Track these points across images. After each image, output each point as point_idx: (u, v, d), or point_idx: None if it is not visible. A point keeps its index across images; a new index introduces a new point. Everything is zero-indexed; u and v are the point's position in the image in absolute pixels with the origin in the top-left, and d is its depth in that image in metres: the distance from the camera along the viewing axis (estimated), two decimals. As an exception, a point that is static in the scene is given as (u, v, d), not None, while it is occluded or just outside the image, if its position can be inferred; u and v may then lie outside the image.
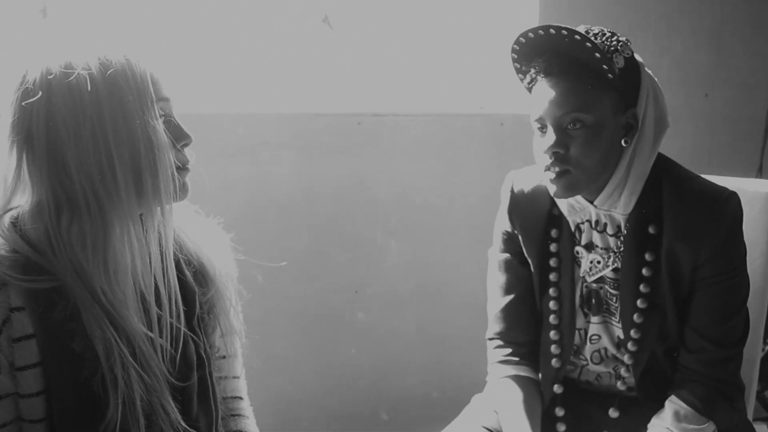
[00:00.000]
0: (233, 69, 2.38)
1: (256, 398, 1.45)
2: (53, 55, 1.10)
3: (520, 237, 1.59)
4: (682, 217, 1.42)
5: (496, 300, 1.65)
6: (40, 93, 1.07)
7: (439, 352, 2.63)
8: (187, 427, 1.15)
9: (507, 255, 1.63)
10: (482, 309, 1.92)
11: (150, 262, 1.14)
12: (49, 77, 1.07)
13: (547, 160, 1.40)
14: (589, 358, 1.57)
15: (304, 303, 2.47)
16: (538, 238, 1.56)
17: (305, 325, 2.48)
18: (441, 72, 2.59)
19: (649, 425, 1.46)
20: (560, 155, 1.39)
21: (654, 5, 2.69)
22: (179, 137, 1.16)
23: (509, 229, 1.62)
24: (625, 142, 1.42)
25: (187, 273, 1.24)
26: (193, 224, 1.28)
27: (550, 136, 1.39)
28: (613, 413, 1.55)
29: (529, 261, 1.59)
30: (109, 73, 1.08)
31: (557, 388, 1.57)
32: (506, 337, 1.62)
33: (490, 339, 1.67)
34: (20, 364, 1.06)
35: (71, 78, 1.07)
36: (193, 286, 1.24)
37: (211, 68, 2.36)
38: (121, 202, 1.09)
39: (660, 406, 1.49)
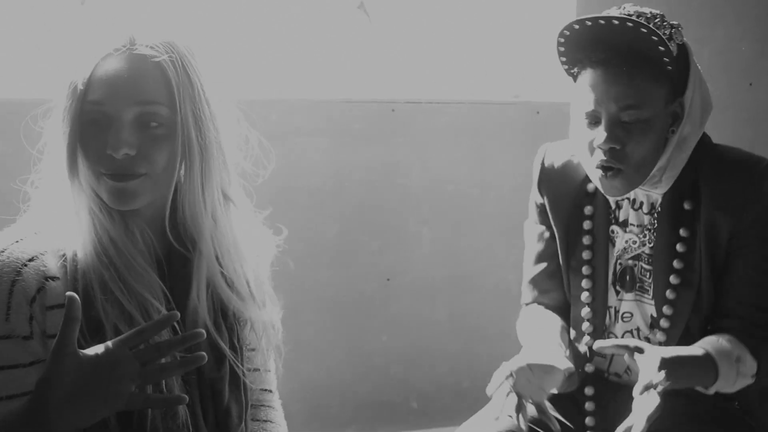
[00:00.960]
0: (267, 55, 2.38)
1: (285, 385, 1.44)
2: (113, 35, 1.10)
3: (549, 211, 1.58)
4: (721, 186, 1.41)
5: (530, 268, 1.65)
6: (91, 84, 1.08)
7: (470, 342, 2.61)
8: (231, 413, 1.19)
9: (542, 227, 1.63)
10: (514, 299, 1.91)
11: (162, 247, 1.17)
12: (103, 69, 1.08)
13: (600, 155, 1.38)
14: (621, 336, 1.54)
15: (335, 290, 2.46)
16: (567, 213, 1.55)
17: (336, 313, 2.48)
18: (476, 59, 2.57)
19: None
20: (615, 151, 1.36)
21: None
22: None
23: (540, 202, 1.62)
24: (672, 131, 1.41)
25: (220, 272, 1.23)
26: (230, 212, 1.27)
27: (603, 131, 1.36)
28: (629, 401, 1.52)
29: (556, 236, 1.57)
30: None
31: (588, 367, 1.55)
32: (541, 300, 1.63)
33: (525, 305, 1.68)
34: (51, 332, 1.07)
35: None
36: (230, 278, 1.23)
37: (245, 54, 2.36)
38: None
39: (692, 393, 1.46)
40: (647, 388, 1.25)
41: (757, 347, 1.39)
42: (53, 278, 1.08)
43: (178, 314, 1.00)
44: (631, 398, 1.53)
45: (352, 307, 2.49)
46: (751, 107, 2.83)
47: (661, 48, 1.31)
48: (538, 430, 1.55)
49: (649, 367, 1.27)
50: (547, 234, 1.61)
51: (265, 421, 1.33)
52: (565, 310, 1.61)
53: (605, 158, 1.37)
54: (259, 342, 1.28)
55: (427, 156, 2.45)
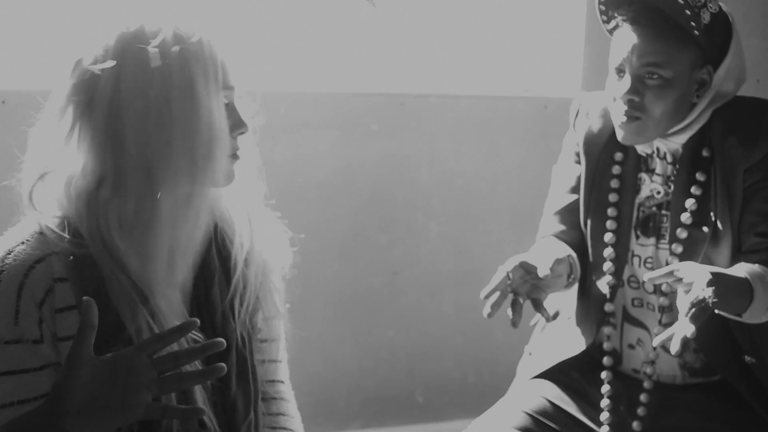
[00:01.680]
0: (275, 47, 2.37)
1: (291, 378, 1.44)
2: (127, 18, 1.08)
3: (581, 151, 1.64)
4: (733, 125, 1.48)
5: (558, 200, 1.70)
6: (111, 58, 1.05)
7: (476, 337, 2.61)
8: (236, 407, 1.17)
9: (574, 166, 1.68)
10: None
11: (192, 238, 1.14)
12: (122, 42, 1.06)
13: (621, 105, 1.46)
14: (641, 285, 1.57)
15: (342, 284, 2.46)
16: (596, 157, 1.61)
17: (343, 306, 2.48)
18: (486, 53, 2.56)
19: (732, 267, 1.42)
20: (634, 102, 1.44)
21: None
22: (236, 125, 1.14)
23: (576, 141, 1.68)
24: (697, 97, 1.47)
25: (230, 249, 1.22)
26: (242, 203, 1.26)
27: (626, 83, 1.45)
28: (644, 399, 1.54)
29: (582, 177, 1.62)
30: (182, 48, 1.06)
31: (609, 307, 1.58)
32: (559, 236, 1.65)
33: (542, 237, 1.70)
34: (62, 335, 1.06)
35: (144, 47, 1.05)
36: (236, 264, 1.22)
37: (253, 46, 2.35)
38: (173, 181, 1.08)
39: (710, 352, 1.49)
40: (696, 304, 1.25)
41: None
42: (62, 279, 1.06)
43: (198, 322, 0.98)
44: (643, 390, 1.55)
45: (359, 301, 2.48)
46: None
47: (688, 12, 1.37)
48: (547, 422, 1.56)
49: (698, 282, 1.27)
50: (577, 172, 1.67)
51: (278, 414, 1.32)
52: (580, 249, 1.63)
53: (625, 107, 1.46)
54: (272, 331, 1.28)
55: (436, 150, 2.44)
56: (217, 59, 1.09)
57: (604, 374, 1.58)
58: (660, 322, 1.54)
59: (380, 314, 2.52)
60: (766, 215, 1.46)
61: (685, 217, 1.50)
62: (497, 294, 1.40)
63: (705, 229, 1.48)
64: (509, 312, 1.41)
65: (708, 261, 1.48)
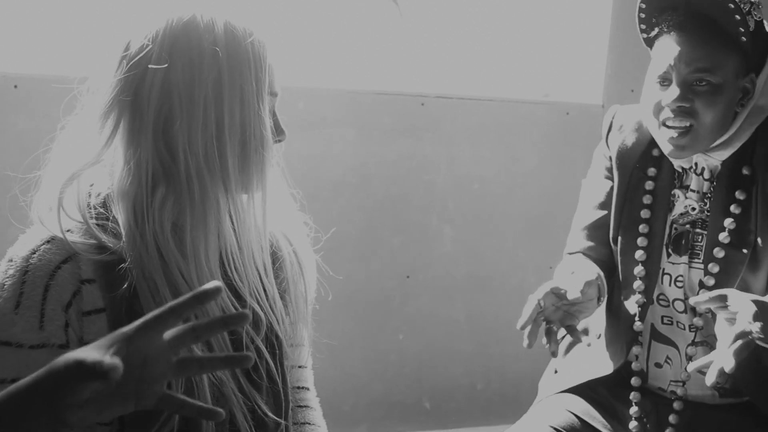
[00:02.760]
0: (297, 42, 2.34)
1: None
2: (178, 5, 1.03)
3: (613, 164, 1.60)
4: None
5: (586, 215, 1.65)
6: (160, 49, 1.00)
7: (486, 344, 2.58)
8: (266, 412, 1.11)
9: (604, 180, 1.63)
10: None
11: (245, 244, 1.10)
12: (172, 34, 1.01)
13: (668, 113, 1.42)
14: (671, 302, 1.53)
15: (354, 286, 2.42)
16: (629, 171, 1.57)
17: (354, 309, 2.44)
18: (508, 57, 2.53)
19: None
20: (685, 108, 1.40)
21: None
22: (277, 132, 1.11)
23: (607, 155, 1.63)
24: (741, 105, 1.44)
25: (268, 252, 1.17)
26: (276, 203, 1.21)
27: (674, 90, 1.40)
28: (673, 420, 1.50)
29: (614, 190, 1.58)
30: (234, 47, 1.02)
31: (638, 326, 1.53)
32: (587, 251, 1.61)
33: (568, 254, 1.66)
34: (89, 339, 1.00)
35: (195, 45, 1.01)
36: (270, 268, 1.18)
37: (276, 40, 2.32)
38: (225, 187, 1.04)
39: (744, 383, 1.44)
40: (741, 336, 1.21)
41: None
42: (90, 281, 1.01)
43: (248, 315, 0.86)
44: (672, 410, 1.51)
45: (370, 304, 2.45)
46: None
47: (737, 17, 1.35)
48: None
49: (744, 314, 1.24)
50: (608, 187, 1.62)
51: (304, 423, 1.28)
52: (608, 266, 1.59)
53: (673, 116, 1.41)
54: (297, 336, 1.23)
55: (455, 153, 2.41)
56: (266, 62, 1.05)
57: (632, 395, 1.54)
58: (693, 341, 1.50)
59: (391, 317, 2.48)
60: None
61: (723, 236, 1.46)
62: (531, 324, 1.32)
63: (744, 250, 1.44)
64: (544, 341, 1.36)
65: (744, 284, 1.44)
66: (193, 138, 1.01)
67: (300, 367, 1.32)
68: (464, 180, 2.43)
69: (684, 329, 1.52)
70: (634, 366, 1.55)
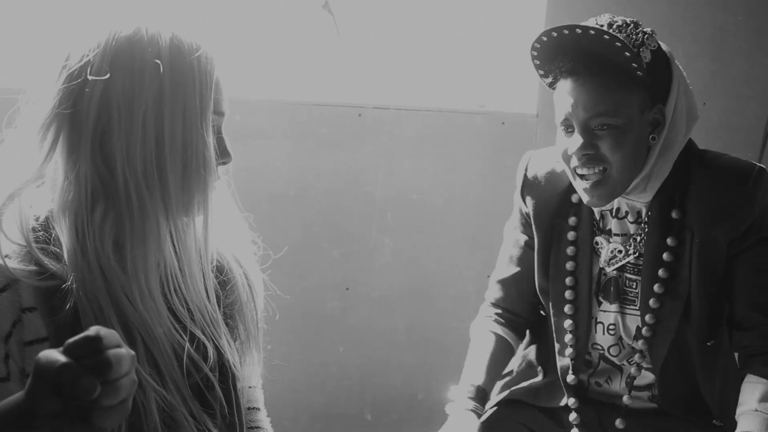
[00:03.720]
0: (233, 53, 2.30)
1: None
2: (122, 17, 0.99)
3: (531, 219, 1.57)
4: (714, 195, 1.41)
5: (503, 269, 1.65)
6: (101, 62, 0.96)
7: (426, 354, 2.57)
8: None
9: (521, 235, 1.63)
10: (473, 311, 1.89)
11: (188, 267, 1.06)
12: (115, 47, 0.97)
13: (576, 161, 1.38)
14: (606, 348, 1.53)
15: (293, 299, 2.37)
16: (550, 223, 1.54)
17: (293, 322, 2.41)
18: (444, 68, 2.54)
19: (737, 413, 1.39)
20: (591, 156, 1.36)
21: (658, 9, 2.66)
22: (222, 154, 1.08)
23: (524, 210, 1.61)
24: (653, 138, 1.39)
25: (210, 274, 1.14)
26: (220, 221, 1.18)
27: (577, 139, 1.36)
28: (620, 424, 1.51)
29: (535, 245, 1.56)
30: (178, 64, 0.98)
31: (571, 379, 1.54)
32: (502, 303, 1.65)
33: (487, 301, 1.69)
34: (31, 370, 0.96)
35: (137, 57, 0.97)
36: (218, 289, 1.15)
37: (226, 58, 2.28)
38: (166, 207, 1.01)
39: (679, 411, 1.47)
40: None
41: None
42: (30, 309, 0.96)
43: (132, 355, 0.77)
44: (613, 412, 1.53)
45: (309, 317, 2.42)
46: (705, 125, 2.87)
47: (627, 54, 1.30)
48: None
49: None
50: (524, 241, 1.61)
51: None
52: (524, 321, 1.66)
53: (579, 164, 1.37)
54: (247, 355, 1.20)
55: (393, 163, 2.40)
56: (212, 80, 1.02)
57: (570, 378, 1.55)
58: (633, 373, 1.53)
59: (331, 330, 2.46)
60: (757, 286, 1.42)
61: (657, 287, 1.44)
62: None
63: (678, 300, 1.43)
64: None
65: (681, 333, 1.44)
66: (132, 153, 0.98)
67: (250, 387, 1.29)
68: (403, 191, 2.42)
69: (623, 366, 1.54)
70: (570, 403, 1.55)
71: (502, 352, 1.63)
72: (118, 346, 0.75)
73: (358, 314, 2.47)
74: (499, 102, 2.56)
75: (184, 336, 1.05)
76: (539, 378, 1.63)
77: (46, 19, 1.95)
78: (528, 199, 1.58)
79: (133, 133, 0.97)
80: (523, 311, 1.65)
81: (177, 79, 0.98)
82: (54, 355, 0.73)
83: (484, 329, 1.66)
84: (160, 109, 0.98)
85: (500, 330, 1.64)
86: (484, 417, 1.58)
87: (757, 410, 1.36)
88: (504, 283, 1.65)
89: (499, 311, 1.66)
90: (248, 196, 2.24)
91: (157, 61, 0.97)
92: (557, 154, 1.44)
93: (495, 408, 1.62)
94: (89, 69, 0.97)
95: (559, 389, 1.57)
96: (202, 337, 1.08)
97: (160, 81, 0.98)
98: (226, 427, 1.12)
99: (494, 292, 1.67)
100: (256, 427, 1.29)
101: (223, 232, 1.18)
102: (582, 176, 1.39)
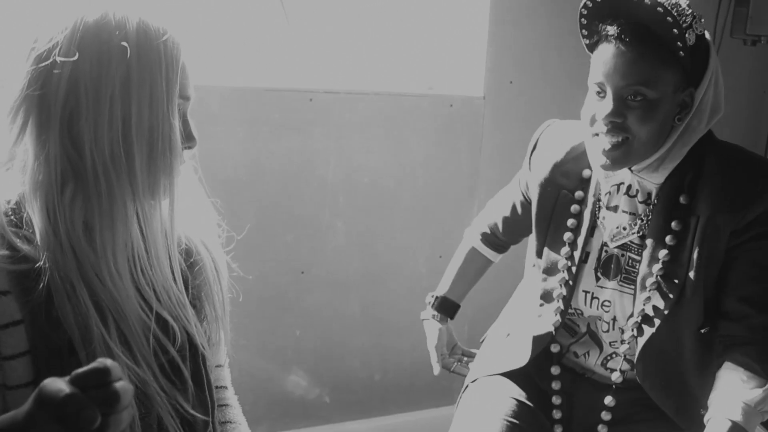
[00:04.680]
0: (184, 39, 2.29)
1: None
2: (90, 4, 1.00)
3: (531, 183, 1.63)
4: (724, 185, 1.42)
5: (498, 206, 1.82)
6: (69, 45, 0.97)
7: (382, 335, 2.61)
8: (190, 410, 1.09)
9: (519, 192, 1.73)
10: (425, 292, 1.94)
11: (154, 248, 1.07)
12: (82, 30, 0.98)
13: (602, 127, 1.39)
14: (597, 324, 1.57)
15: (248, 283, 2.37)
16: (554, 192, 1.57)
17: (249, 306, 2.37)
18: (393, 51, 2.57)
19: (710, 399, 1.41)
20: (617, 124, 1.37)
21: None
22: (187, 138, 1.10)
23: (527, 172, 1.66)
24: (679, 120, 1.41)
25: (179, 256, 1.16)
26: (187, 205, 1.20)
27: (608, 104, 1.37)
28: (610, 402, 1.55)
29: (533, 207, 1.61)
30: (145, 47, 0.99)
31: (555, 370, 1.60)
32: (488, 229, 1.84)
33: (475, 224, 1.88)
34: (8, 353, 0.97)
35: (105, 40, 0.97)
36: (186, 270, 1.17)
37: (192, 43, 2.27)
38: (133, 189, 1.02)
39: (655, 386, 1.49)
40: None
41: (766, 368, 1.40)
42: (4, 293, 0.97)
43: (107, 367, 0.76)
44: (593, 389, 1.58)
45: (264, 300, 2.43)
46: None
47: (675, 31, 1.31)
48: (527, 403, 1.59)
49: None
50: (521, 201, 1.72)
51: (225, 422, 1.28)
52: (502, 242, 1.86)
53: (605, 130, 1.38)
54: (214, 334, 1.22)
55: (344, 147, 2.42)
56: (179, 64, 1.03)
57: (552, 369, 1.61)
58: (612, 354, 1.58)
59: (286, 313, 2.47)
60: (750, 279, 1.43)
61: (656, 268, 1.45)
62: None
63: (676, 281, 1.44)
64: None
65: (673, 316, 1.46)
66: (99, 135, 0.99)
67: (217, 366, 1.31)
68: (354, 174, 2.45)
69: (603, 345, 1.59)
70: (554, 385, 1.61)
71: (473, 263, 1.87)
72: (122, 378, 0.77)
73: (313, 297, 2.49)
74: (447, 85, 2.60)
75: (150, 316, 1.06)
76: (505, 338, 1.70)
77: (14, 2, 1.93)
78: (534, 164, 1.62)
79: (100, 114, 0.98)
80: (507, 239, 1.84)
81: (144, 62, 0.99)
82: (59, 384, 0.74)
83: (464, 245, 1.89)
84: (128, 91, 0.99)
85: (478, 245, 1.86)
86: (466, 390, 1.68)
87: (731, 397, 1.37)
88: (495, 214, 1.81)
89: (485, 231, 1.85)
90: (203, 180, 2.25)
91: (125, 44, 0.98)
92: (583, 115, 1.45)
93: (476, 380, 1.68)
94: (57, 51, 0.97)
95: (525, 349, 1.61)
96: (169, 318, 1.09)
97: (127, 64, 0.99)
98: (199, 404, 1.14)
99: (483, 218, 1.86)
100: (225, 405, 1.31)
101: (191, 216, 1.19)
102: (601, 136, 1.41)
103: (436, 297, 1.87)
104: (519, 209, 1.74)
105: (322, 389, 2.58)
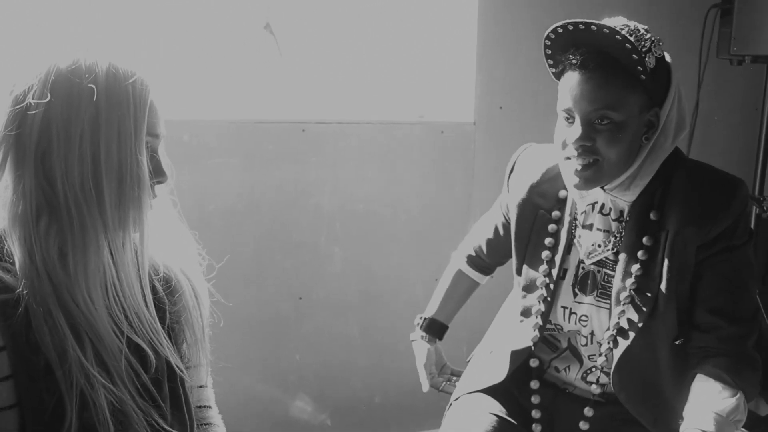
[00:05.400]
0: (177, 76, 2.37)
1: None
2: (63, 50, 1.08)
3: (510, 206, 1.67)
4: (691, 200, 1.47)
5: (482, 229, 1.86)
6: (43, 90, 1.05)
7: (381, 358, 2.66)
8: (167, 427, 1.16)
9: (501, 216, 1.78)
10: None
11: (125, 275, 1.14)
12: (54, 76, 1.06)
13: (573, 151, 1.45)
14: (576, 338, 1.61)
15: (248, 309, 2.46)
16: (532, 212, 1.63)
17: (250, 332, 2.48)
18: (383, 82, 2.63)
19: (685, 410, 1.45)
20: (587, 147, 1.43)
21: (586, 17, 2.79)
22: (156, 173, 1.16)
23: (506, 195, 1.71)
24: (646, 139, 1.47)
25: (157, 284, 1.23)
26: (165, 236, 1.27)
27: (577, 128, 1.43)
28: (588, 412, 1.59)
29: (512, 228, 1.66)
30: (113, 88, 1.07)
31: (533, 362, 1.64)
32: (473, 251, 1.88)
33: (460, 248, 1.93)
34: None
35: (75, 84, 1.06)
36: (164, 297, 1.24)
37: (157, 75, 2.35)
38: (103, 221, 1.09)
39: (632, 398, 1.53)
40: None
41: (737, 379, 1.44)
42: None
43: None
44: (573, 403, 1.62)
45: (265, 326, 2.49)
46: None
47: (635, 56, 1.37)
48: (507, 419, 1.63)
49: None
50: (502, 222, 1.77)
51: None
52: (488, 264, 1.89)
53: (576, 154, 1.44)
54: (194, 357, 1.29)
55: (338, 176, 2.49)
56: (147, 104, 1.10)
57: (532, 383, 1.64)
58: (590, 369, 1.62)
59: (287, 338, 2.54)
60: (719, 291, 1.47)
61: (630, 282, 1.50)
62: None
63: (649, 294, 1.49)
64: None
65: (647, 329, 1.50)
66: (70, 170, 1.06)
67: (200, 387, 1.37)
68: (349, 201, 2.52)
69: (583, 360, 1.63)
70: (533, 399, 1.64)
71: (460, 285, 1.92)
72: None
73: (312, 322, 2.55)
74: (438, 112, 2.67)
75: (122, 340, 1.13)
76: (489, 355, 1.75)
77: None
78: (512, 187, 1.67)
79: (70, 152, 1.06)
80: (492, 261, 1.88)
81: (112, 102, 1.07)
82: None
83: (451, 268, 1.93)
84: (96, 130, 1.07)
85: (465, 268, 1.90)
86: (450, 407, 1.72)
87: (704, 408, 1.42)
88: (479, 237, 1.86)
89: (471, 253, 1.89)
90: (201, 212, 2.34)
91: (93, 86, 1.06)
92: (555, 140, 1.51)
93: (458, 399, 1.72)
94: (32, 94, 1.06)
95: (504, 364, 1.65)
96: (141, 342, 1.16)
97: (95, 105, 1.06)
98: (177, 423, 1.20)
99: (468, 242, 1.90)
100: (208, 424, 1.37)
101: (169, 247, 1.27)
102: (572, 159, 1.46)
103: (425, 318, 1.90)
104: (501, 231, 1.79)
105: (324, 411, 2.63)
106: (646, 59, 1.39)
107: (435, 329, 1.89)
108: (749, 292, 1.51)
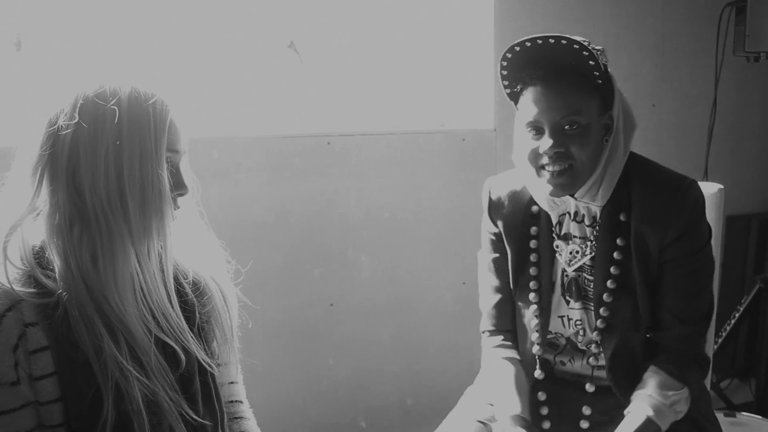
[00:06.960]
0: (205, 94, 2.45)
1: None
2: (90, 78, 1.19)
3: (503, 236, 1.71)
4: (648, 203, 1.54)
5: (488, 298, 1.78)
6: (72, 114, 1.16)
7: (412, 360, 2.72)
8: (197, 418, 1.25)
9: (495, 255, 1.75)
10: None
11: (151, 279, 1.24)
12: (81, 101, 1.17)
13: (545, 160, 1.51)
14: (573, 336, 1.67)
15: (281, 318, 2.53)
16: (518, 236, 1.68)
17: (283, 340, 2.55)
18: (405, 92, 2.69)
19: (633, 395, 1.55)
20: (561, 153, 1.49)
21: (602, 24, 2.84)
22: (177, 186, 1.25)
23: (494, 230, 1.74)
24: (606, 140, 1.55)
25: (186, 287, 1.33)
26: (193, 243, 1.37)
27: (548, 138, 1.49)
28: (589, 388, 1.64)
29: (509, 256, 1.70)
30: (134, 111, 1.17)
31: (538, 374, 1.67)
32: (499, 327, 1.76)
33: (484, 331, 1.80)
34: (37, 374, 1.15)
35: (100, 107, 1.16)
36: (193, 298, 1.33)
37: (185, 94, 2.44)
38: (129, 229, 1.19)
39: (628, 391, 1.58)
40: None
41: (684, 375, 1.55)
42: (32, 324, 1.15)
43: None
44: (578, 394, 1.66)
45: (297, 333, 2.57)
46: (655, 127, 3.05)
47: (592, 62, 1.45)
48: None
49: None
50: (500, 262, 1.74)
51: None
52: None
53: (550, 162, 1.50)
54: (224, 355, 1.39)
55: (363, 185, 2.57)
56: (166, 123, 1.20)
57: (537, 373, 1.68)
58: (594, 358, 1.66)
59: (319, 345, 2.61)
60: (676, 292, 1.56)
61: (610, 283, 1.58)
62: None
63: (628, 293, 1.58)
64: None
65: (632, 325, 1.58)
66: (97, 184, 1.17)
67: (231, 383, 1.47)
68: (374, 210, 2.59)
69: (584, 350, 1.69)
70: (540, 396, 1.68)
71: (522, 372, 1.71)
72: None
73: (343, 328, 2.62)
74: (459, 120, 2.72)
75: (150, 337, 1.23)
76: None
77: (36, 80, 2.13)
78: (497, 219, 1.73)
79: (97, 168, 1.17)
80: (514, 324, 1.76)
81: (134, 122, 1.18)
82: None
83: (497, 357, 1.73)
84: (120, 149, 1.17)
85: (511, 353, 1.73)
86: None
87: (650, 395, 1.52)
88: (494, 310, 1.77)
89: (501, 336, 1.76)
90: (232, 226, 2.42)
91: (115, 108, 1.17)
92: (521, 155, 1.57)
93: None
94: (63, 117, 1.17)
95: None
96: (168, 339, 1.26)
97: (119, 125, 1.17)
98: (209, 415, 1.30)
99: (488, 320, 1.78)
100: (240, 417, 1.46)
101: (197, 254, 1.37)
102: (549, 170, 1.52)
103: (515, 416, 1.62)
104: (502, 287, 1.77)
105: (357, 415, 2.69)
106: (601, 63, 1.47)
107: (524, 425, 1.68)
108: (704, 294, 1.60)
